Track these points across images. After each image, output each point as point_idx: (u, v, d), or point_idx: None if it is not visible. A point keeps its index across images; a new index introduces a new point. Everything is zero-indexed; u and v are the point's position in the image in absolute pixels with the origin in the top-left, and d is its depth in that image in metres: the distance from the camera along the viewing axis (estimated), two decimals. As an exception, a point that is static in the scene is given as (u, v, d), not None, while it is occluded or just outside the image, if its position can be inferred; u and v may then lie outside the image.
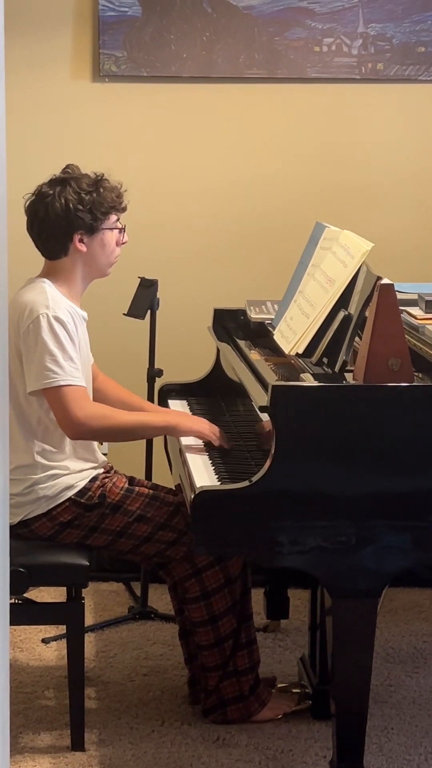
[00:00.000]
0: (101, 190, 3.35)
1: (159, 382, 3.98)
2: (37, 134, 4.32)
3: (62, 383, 3.23)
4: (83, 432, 3.26)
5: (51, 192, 3.34)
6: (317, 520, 2.86)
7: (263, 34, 4.30)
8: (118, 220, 3.40)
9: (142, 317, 3.97)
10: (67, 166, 3.42)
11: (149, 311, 3.99)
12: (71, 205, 3.31)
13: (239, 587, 3.36)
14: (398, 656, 3.85)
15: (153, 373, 4.04)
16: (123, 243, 3.43)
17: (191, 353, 4.17)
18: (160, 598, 4.13)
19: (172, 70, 4.31)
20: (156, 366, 4.05)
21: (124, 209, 3.42)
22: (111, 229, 3.38)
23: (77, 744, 3.27)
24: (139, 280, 3.99)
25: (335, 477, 2.86)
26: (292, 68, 4.33)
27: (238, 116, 4.37)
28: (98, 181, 3.37)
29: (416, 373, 3.02)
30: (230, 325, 3.92)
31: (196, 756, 3.25)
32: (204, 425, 3.35)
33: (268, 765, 3.22)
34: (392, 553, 2.90)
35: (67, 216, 3.32)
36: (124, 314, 3.96)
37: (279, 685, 3.54)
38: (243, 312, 3.89)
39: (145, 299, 3.95)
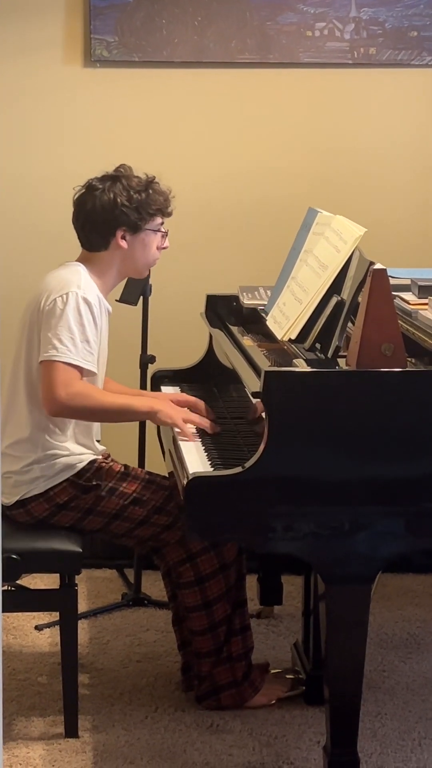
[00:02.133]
0: (150, 192, 3.39)
1: (152, 369, 3.97)
2: (29, 120, 4.31)
3: (62, 359, 3.23)
4: (62, 409, 3.25)
5: (101, 186, 3.38)
6: (310, 505, 2.86)
7: (255, 19, 4.28)
8: (162, 224, 3.43)
9: (135, 303, 3.96)
10: (120, 166, 3.45)
11: (141, 297, 3.99)
12: (119, 200, 3.35)
13: (234, 573, 3.36)
14: (391, 642, 3.86)
15: (146, 360, 4.03)
16: (164, 248, 3.46)
17: (184, 339, 4.17)
18: (153, 585, 4.13)
19: (164, 55, 4.29)
20: (149, 352, 4.05)
21: (169, 214, 3.46)
22: (154, 231, 3.41)
23: (71, 730, 3.27)
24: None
25: (328, 463, 2.85)
26: (284, 53, 4.31)
27: (230, 101, 4.36)
28: (149, 183, 3.41)
29: (409, 359, 3.01)
30: (223, 311, 3.92)
31: (190, 742, 3.25)
32: (181, 419, 3.31)
33: (262, 751, 3.22)
34: (385, 539, 2.89)
35: (113, 210, 3.35)
36: (116, 300, 3.95)
37: (272, 671, 3.54)
38: (236, 298, 3.89)
39: (137, 285, 3.93)
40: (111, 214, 3.36)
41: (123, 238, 3.38)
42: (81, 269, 3.36)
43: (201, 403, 3.47)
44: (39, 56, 4.29)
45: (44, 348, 3.26)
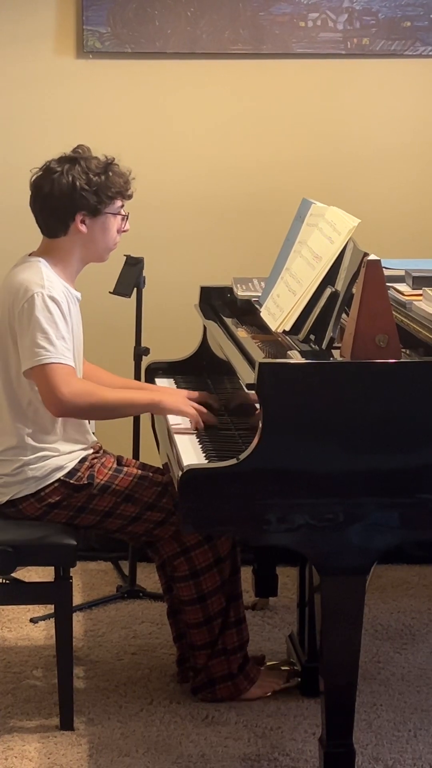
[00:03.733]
0: (110, 174, 3.33)
1: (146, 361, 3.96)
2: (21, 111, 4.30)
3: (49, 361, 3.21)
4: (68, 409, 3.24)
5: (59, 169, 3.30)
6: (305, 497, 2.85)
7: (248, 9, 4.27)
8: (122, 206, 3.38)
9: (129, 295, 3.95)
10: (78, 146, 3.39)
11: (135, 289, 3.98)
12: (78, 184, 3.28)
13: (228, 566, 3.35)
14: (387, 633, 3.86)
15: (140, 352, 4.02)
16: (124, 231, 3.41)
17: (178, 331, 4.16)
18: (148, 577, 4.13)
19: (157, 46, 4.28)
20: (143, 344, 4.04)
21: (129, 196, 3.40)
22: (114, 214, 3.35)
23: (66, 723, 3.27)
24: (125, 257, 3.97)
25: (323, 454, 2.85)
26: (278, 44, 4.30)
27: (223, 92, 4.35)
28: (108, 165, 3.34)
29: (403, 350, 3.01)
30: (217, 302, 3.91)
31: (185, 734, 3.25)
32: (185, 405, 3.32)
33: (258, 743, 3.22)
34: (380, 531, 2.89)
35: (71, 194, 3.29)
36: (110, 292, 3.95)
37: (268, 663, 3.54)
38: (230, 290, 3.88)
39: (131, 277, 3.93)
40: (70, 198, 3.29)
41: (82, 222, 3.31)
42: (41, 264, 3.30)
43: (203, 394, 3.46)
44: (31, 47, 4.27)
45: (26, 356, 3.23)
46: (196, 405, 3.34)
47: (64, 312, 3.26)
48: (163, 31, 4.27)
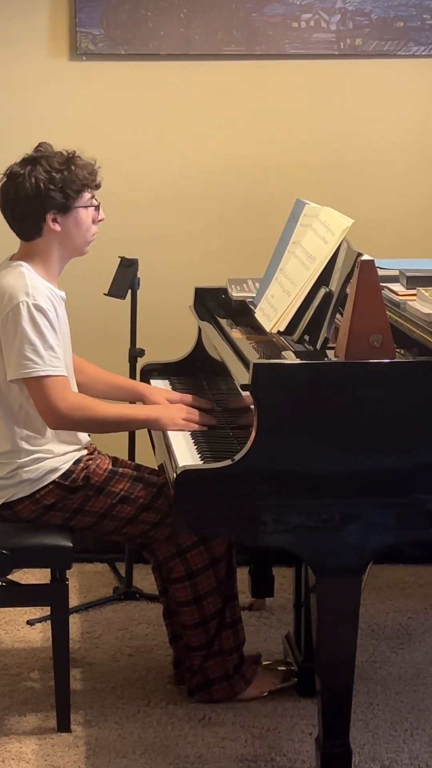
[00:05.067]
0: (73, 168, 3.29)
1: (141, 362, 3.96)
2: (14, 114, 4.30)
3: (42, 373, 3.20)
4: (64, 423, 3.24)
5: (22, 172, 3.28)
6: (300, 498, 2.85)
7: (241, 10, 4.27)
8: (93, 197, 3.35)
9: (123, 297, 3.95)
10: (40, 145, 3.36)
11: (130, 291, 3.98)
12: (42, 185, 3.26)
13: (224, 567, 3.36)
14: (383, 633, 3.86)
15: (135, 353, 4.02)
16: (100, 220, 3.38)
17: (173, 333, 4.16)
18: (144, 579, 4.13)
19: (150, 48, 4.28)
20: (137, 346, 4.04)
21: (97, 186, 3.36)
22: (85, 207, 3.33)
23: (63, 725, 3.27)
24: (120, 259, 3.97)
25: (318, 455, 2.85)
26: (270, 44, 4.31)
27: (216, 93, 4.35)
28: (70, 159, 3.31)
29: (398, 350, 3.01)
30: (211, 303, 3.91)
31: (182, 735, 3.25)
32: (180, 419, 3.31)
33: (254, 743, 3.22)
34: (376, 531, 2.89)
35: (38, 196, 3.26)
36: (104, 294, 3.94)
37: (264, 663, 3.54)
38: (224, 290, 3.88)
39: (125, 279, 3.93)
40: (37, 201, 3.26)
41: (54, 221, 3.29)
42: (23, 269, 3.28)
43: (188, 397, 3.47)
44: (24, 50, 4.27)
45: (13, 367, 3.22)
46: (191, 415, 3.34)
47: (51, 319, 3.23)
48: (157, 33, 4.27)
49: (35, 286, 3.26)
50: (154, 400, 3.49)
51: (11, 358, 3.22)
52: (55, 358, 3.22)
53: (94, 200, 3.36)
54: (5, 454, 3.30)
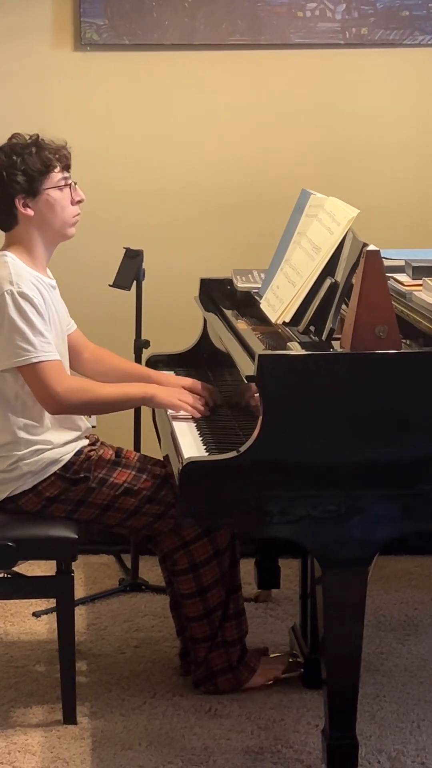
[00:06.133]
0: (34, 150, 3.26)
1: (146, 353, 3.96)
2: (19, 105, 4.28)
3: (35, 360, 3.19)
4: (63, 407, 3.24)
5: None
6: (306, 489, 2.85)
7: (245, 0, 4.26)
8: (65, 178, 3.31)
9: (128, 288, 3.94)
10: (13, 135, 3.33)
11: (135, 282, 3.97)
12: (4, 172, 3.25)
13: (227, 559, 3.35)
14: (389, 624, 3.85)
15: (140, 344, 4.02)
16: (78, 201, 3.34)
17: (178, 324, 4.15)
18: (150, 570, 4.13)
19: (154, 38, 4.27)
20: (143, 337, 4.03)
21: (66, 167, 3.31)
22: (56, 187, 3.29)
23: (69, 717, 3.27)
24: (125, 250, 3.96)
25: (323, 446, 2.84)
26: (275, 34, 4.29)
27: (221, 83, 4.33)
28: (32, 143, 3.28)
29: (403, 340, 3.00)
30: (217, 294, 3.90)
31: (188, 727, 3.25)
32: (180, 400, 3.32)
33: (260, 735, 3.22)
34: (382, 522, 2.89)
35: (1, 182, 3.25)
36: (109, 285, 3.94)
37: (271, 655, 3.54)
38: (229, 281, 3.87)
39: (130, 270, 3.92)
40: (2, 188, 3.25)
41: (26, 206, 3.27)
42: (8, 258, 3.26)
43: (198, 384, 3.46)
44: (28, 41, 4.26)
45: (5, 356, 3.21)
46: (189, 397, 3.33)
47: (37, 306, 3.22)
48: (161, 23, 4.25)
49: (19, 274, 3.24)
50: (166, 384, 3.47)
51: (1, 348, 3.21)
52: (46, 343, 3.22)
53: (67, 181, 3.31)
54: (5, 446, 3.29)
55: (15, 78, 4.28)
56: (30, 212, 3.27)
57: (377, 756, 3.12)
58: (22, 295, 3.20)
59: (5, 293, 3.20)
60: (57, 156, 3.29)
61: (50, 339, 3.24)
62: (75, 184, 3.34)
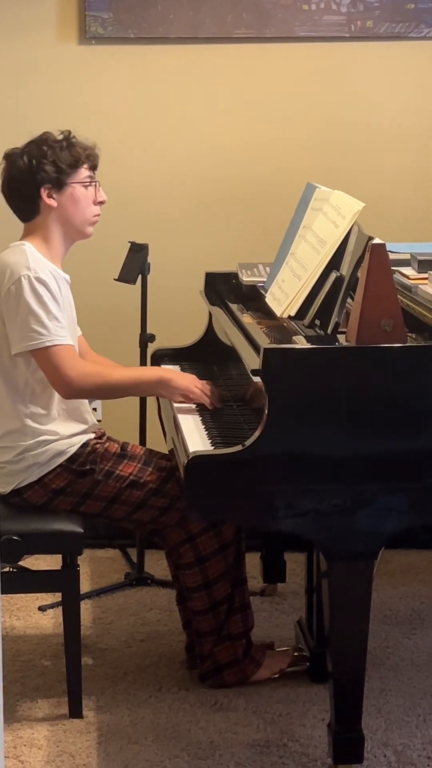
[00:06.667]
0: (65, 144, 3.34)
1: (151, 347, 3.95)
2: (24, 99, 4.28)
3: (49, 344, 3.21)
4: (76, 391, 3.25)
5: (17, 151, 3.35)
6: (311, 483, 2.84)
7: (250, -7, 4.25)
8: (91, 176, 3.36)
9: (133, 282, 3.94)
10: (43, 133, 3.39)
11: (140, 276, 3.97)
12: (34, 160, 3.31)
13: (233, 552, 3.35)
14: (396, 618, 3.85)
15: (145, 338, 4.01)
16: (100, 202, 3.38)
17: (183, 318, 4.15)
18: (156, 564, 4.12)
19: (159, 31, 4.26)
20: (148, 331, 4.03)
21: (93, 166, 3.38)
22: (81, 183, 3.34)
23: (75, 711, 3.27)
24: (130, 244, 3.96)
25: (329, 440, 2.84)
26: (281, 27, 4.28)
27: (226, 77, 4.33)
28: (63, 139, 3.35)
29: (409, 334, 2.99)
30: (222, 288, 3.90)
31: (194, 721, 3.25)
32: (193, 385, 3.34)
33: (267, 729, 3.22)
34: (388, 516, 2.88)
35: (30, 169, 3.31)
36: (114, 279, 3.93)
37: (278, 650, 3.53)
38: (235, 275, 3.87)
39: (135, 264, 3.92)
40: (30, 175, 3.31)
41: (50, 196, 3.32)
42: (26, 247, 3.30)
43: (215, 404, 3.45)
44: (33, 34, 4.26)
45: (18, 339, 3.23)
46: (204, 387, 3.35)
47: (53, 291, 3.25)
48: (166, 16, 4.25)
49: (37, 261, 3.28)
50: None
51: (15, 331, 3.23)
52: (60, 328, 3.23)
53: (92, 180, 3.36)
54: (12, 433, 3.30)
55: (20, 72, 4.28)
56: (53, 203, 3.32)
57: (383, 750, 3.12)
58: (39, 279, 3.23)
59: (22, 277, 3.23)
60: (86, 154, 3.36)
61: (64, 324, 3.25)
62: (99, 184, 3.38)
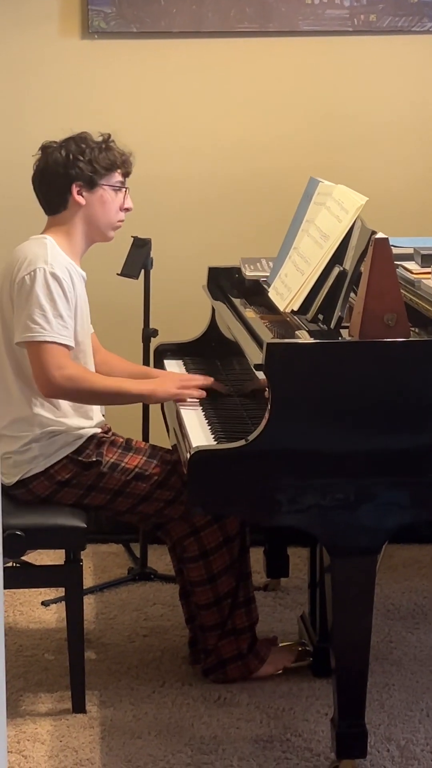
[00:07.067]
0: (104, 147, 3.38)
1: (154, 342, 3.95)
2: (26, 93, 4.28)
3: (47, 338, 3.22)
4: (55, 391, 3.25)
5: (55, 144, 3.38)
6: (314, 478, 2.84)
7: (253, -13, 4.24)
8: (122, 182, 3.41)
9: (136, 277, 3.93)
10: (82, 132, 3.42)
11: (143, 271, 3.96)
12: (71, 156, 3.34)
13: (237, 546, 3.35)
14: (398, 613, 3.85)
15: (148, 333, 4.01)
16: (127, 209, 3.43)
17: (186, 312, 4.15)
18: (159, 559, 4.12)
19: (162, 26, 4.25)
20: (151, 326, 4.03)
21: (127, 173, 3.43)
22: (112, 187, 3.37)
23: (78, 706, 3.27)
24: (132, 239, 3.95)
25: (332, 434, 2.84)
26: (284, 21, 4.27)
27: (229, 71, 4.32)
28: (105, 140, 3.40)
29: (412, 328, 2.99)
30: (225, 283, 3.89)
31: (197, 716, 3.25)
32: (180, 389, 3.34)
33: (270, 724, 3.21)
34: (391, 510, 2.88)
35: (65, 165, 3.34)
36: (117, 274, 3.93)
37: (280, 645, 3.53)
38: (238, 270, 3.86)
39: (138, 259, 3.91)
40: (64, 169, 3.34)
41: (80, 194, 3.35)
42: (47, 241, 3.32)
43: (209, 380, 3.46)
44: (36, 29, 4.25)
45: (21, 330, 3.24)
46: (186, 382, 3.36)
47: (65, 289, 3.26)
48: (169, 11, 4.24)
49: (55, 256, 3.30)
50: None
51: (21, 321, 3.25)
52: (63, 327, 3.23)
53: (123, 185, 3.41)
54: (20, 421, 3.30)
55: (22, 66, 4.27)
56: (82, 200, 3.35)
57: (386, 744, 3.12)
58: (53, 275, 3.25)
59: (38, 269, 3.25)
60: (122, 160, 3.41)
61: (69, 325, 3.26)
62: (128, 191, 3.42)
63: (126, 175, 3.43)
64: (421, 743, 3.13)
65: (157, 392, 3.36)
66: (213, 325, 3.86)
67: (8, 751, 3.07)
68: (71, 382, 3.24)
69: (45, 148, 3.39)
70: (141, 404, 4.04)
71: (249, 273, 3.74)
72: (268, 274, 3.62)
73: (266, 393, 2.85)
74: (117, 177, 3.39)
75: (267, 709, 3.28)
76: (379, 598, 3.75)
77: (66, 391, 3.26)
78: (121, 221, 3.43)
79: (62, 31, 4.27)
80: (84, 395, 3.30)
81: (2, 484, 3.30)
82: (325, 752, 3.08)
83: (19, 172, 4.26)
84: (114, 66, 4.30)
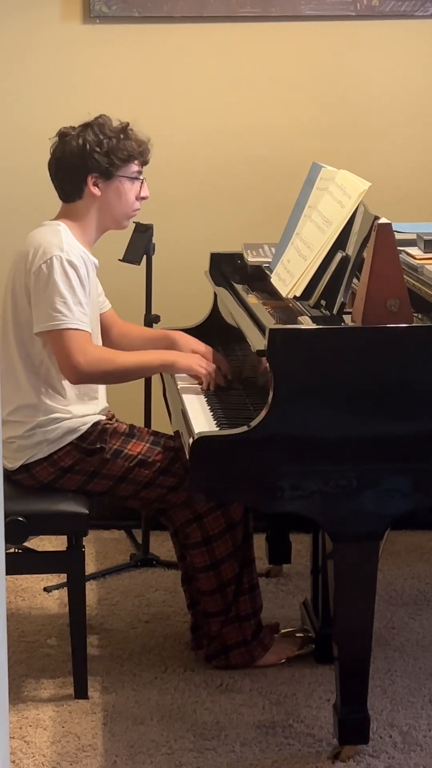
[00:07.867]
0: (122, 137, 3.35)
1: (156, 328, 3.94)
2: (28, 78, 4.26)
3: (70, 326, 3.22)
4: (83, 377, 3.26)
5: (72, 132, 3.35)
6: (317, 464, 2.84)
7: (256, -29, 4.22)
8: (139, 172, 3.39)
9: (138, 263, 3.93)
10: (99, 116, 3.40)
11: (145, 256, 3.95)
12: (88, 146, 3.32)
13: (241, 532, 3.35)
14: (401, 599, 3.85)
15: (150, 319, 4.00)
16: (143, 198, 3.41)
17: (188, 298, 4.14)
18: (161, 545, 4.12)
19: (164, 10, 4.24)
20: (153, 312, 4.02)
21: (145, 162, 3.41)
22: (129, 178, 3.36)
23: (80, 692, 3.28)
24: (134, 225, 3.94)
25: (334, 420, 2.83)
26: (286, 6, 4.25)
27: (231, 56, 4.30)
28: (123, 129, 3.37)
29: (415, 314, 2.98)
30: (227, 269, 3.88)
31: (200, 702, 3.25)
32: (197, 365, 3.36)
33: (272, 710, 3.22)
34: (393, 496, 2.88)
35: (82, 155, 3.32)
36: (119, 260, 3.92)
37: (282, 631, 3.54)
38: (240, 256, 3.85)
39: (140, 244, 3.90)
40: (81, 160, 3.32)
41: (95, 185, 3.33)
42: (61, 228, 3.32)
43: (210, 351, 3.46)
44: (37, 13, 4.23)
45: (42, 318, 3.24)
46: (208, 365, 3.36)
47: (81, 277, 3.27)
48: (171, -5, 4.22)
49: (70, 244, 3.29)
50: (185, 344, 3.50)
51: (40, 310, 3.24)
52: (83, 314, 3.25)
53: (140, 175, 3.38)
54: (25, 408, 3.30)
55: (24, 51, 4.25)
56: (97, 192, 3.34)
57: (389, 730, 3.12)
58: (70, 263, 3.25)
59: (54, 257, 3.24)
60: (140, 150, 3.38)
61: (88, 311, 3.27)
62: (145, 180, 3.40)
63: (144, 164, 3.41)
64: (424, 729, 3.13)
65: (179, 362, 3.37)
66: (215, 311, 3.85)
67: (10, 737, 3.07)
68: (96, 365, 3.24)
69: (63, 135, 3.36)
70: (143, 390, 4.04)
71: (251, 259, 3.73)
72: (270, 260, 3.61)
73: (269, 379, 2.84)
74: (134, 167, 3.38)
75: (269, 694, 3.28)
76: (382, 584, 3.74)
77: (93, 376, 3.26)
78: (137, 210, 3.43)
79: (63, 15, 4.25)
80: (110, 376, 3.31)
81: (5, 469, 3.30)
82: (327, 738, 3.08)
83: (24, 154, 4.27)
84: (115, 51, 4.28)
